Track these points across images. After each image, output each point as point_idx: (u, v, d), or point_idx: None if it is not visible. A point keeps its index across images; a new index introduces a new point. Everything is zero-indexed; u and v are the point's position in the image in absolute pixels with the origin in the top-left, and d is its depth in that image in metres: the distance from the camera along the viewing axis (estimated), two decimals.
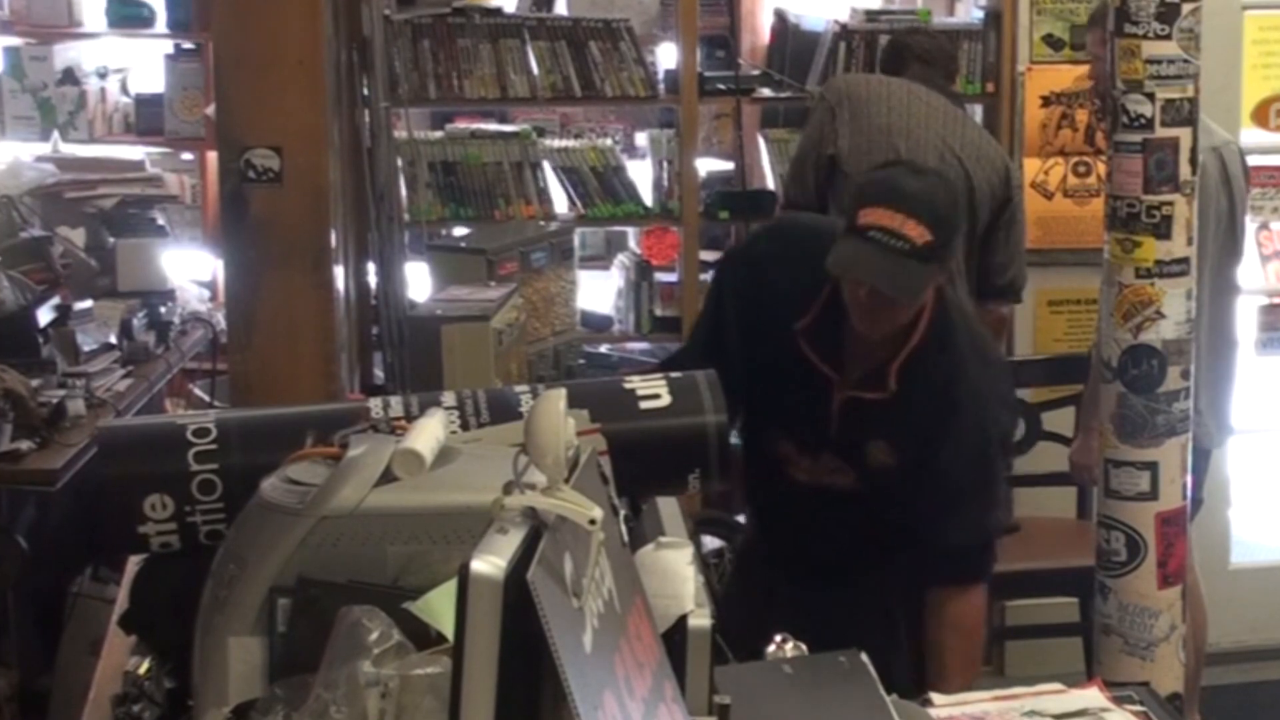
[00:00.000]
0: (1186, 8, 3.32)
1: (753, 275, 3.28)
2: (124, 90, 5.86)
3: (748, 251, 3.62)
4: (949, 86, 4.78)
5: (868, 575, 3.29)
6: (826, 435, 3.18)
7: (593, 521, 1.49)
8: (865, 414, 3.13)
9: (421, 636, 1.64)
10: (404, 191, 5.17)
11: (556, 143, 5.56)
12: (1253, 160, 4.92)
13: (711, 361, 2.48)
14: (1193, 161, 3.37)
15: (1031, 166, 5.24)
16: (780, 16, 5.75)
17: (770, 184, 5.56)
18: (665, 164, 5.48)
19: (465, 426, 2.11)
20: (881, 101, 4.54)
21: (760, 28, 5.99)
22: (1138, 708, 2.40)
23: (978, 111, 5.49)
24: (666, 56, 5.63)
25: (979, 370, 3.18)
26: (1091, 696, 2.40)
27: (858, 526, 3.22)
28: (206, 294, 5.34)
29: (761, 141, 5.70)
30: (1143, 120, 3.34)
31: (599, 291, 5.69)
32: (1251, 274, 5.09)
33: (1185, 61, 3.33)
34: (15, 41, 5.81)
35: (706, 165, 5.66)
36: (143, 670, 2.05)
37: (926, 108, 4.56)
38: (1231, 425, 4.56)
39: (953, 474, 3.12)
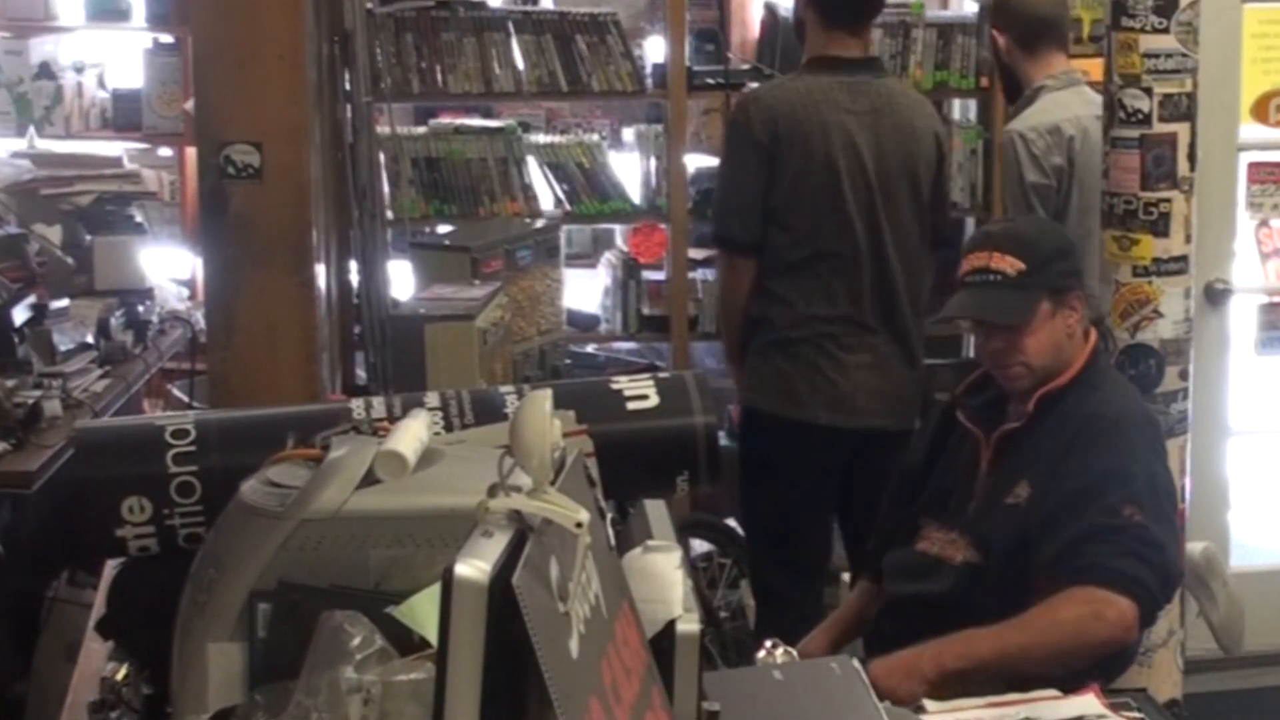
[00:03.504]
0: (1185, 1, 3.29)
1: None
2: (101, 85, 5.84)
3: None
4: (865, 46, 4.35)
5: None
6: (967, 504, 3.14)
7: (579, 525, 1.48)
8: (1010, 453, 3.11)
9: (404, 642, 1.63)
10: (386, 188, 5.15)
11: (542, 138, 5.54)
12: (1252, 156, 4.89)
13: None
14: (1191, 158, 3.34)
15: None
16: (770, 10, 5.73)
17: None
18: (653, 160, 5.45)
19: (449, 428, 2.11)
20: (815, 130, 4.18)
21: (750, 21, 5.98)
22: (1135, 714, 2.40)
23: (972, 106, 5.46)
24: (654, 50, 5.61)
25: (1126, 416, 3.08)
26: (1088, 703, 2.40)
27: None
28: (185, 292, 5.32)
29: None
30: (1140, 116, 3.31)
31: (586, 290, 5.67)
32: (1251, 272, 5.07)
33: (1184, 56, 3.31)
34: None
35: (695, 161, 5.62)
36: (120, 676, 2.04)
37: (854, 113, 4.23)
38: None
39: (1084, 469, 2.97)
